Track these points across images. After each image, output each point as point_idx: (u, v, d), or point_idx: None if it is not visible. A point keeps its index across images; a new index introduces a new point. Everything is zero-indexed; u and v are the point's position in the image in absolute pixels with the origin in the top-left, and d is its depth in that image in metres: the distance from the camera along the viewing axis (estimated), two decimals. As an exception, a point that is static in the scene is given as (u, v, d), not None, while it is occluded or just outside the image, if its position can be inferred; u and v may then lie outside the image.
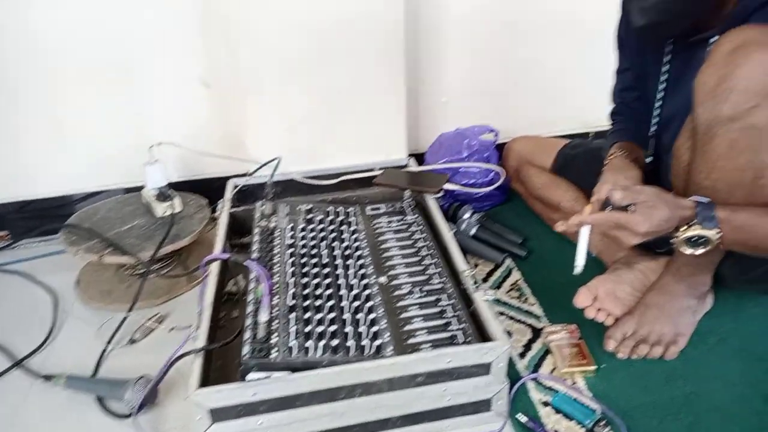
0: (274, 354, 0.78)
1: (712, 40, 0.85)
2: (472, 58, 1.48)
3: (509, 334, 1.04)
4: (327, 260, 1.00)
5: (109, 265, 1.19)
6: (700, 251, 0.84)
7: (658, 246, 0.95)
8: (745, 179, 0.80)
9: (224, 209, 1.19)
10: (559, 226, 0.88)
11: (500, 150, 1.44)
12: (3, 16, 1.21)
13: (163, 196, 1.25)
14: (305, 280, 0.94)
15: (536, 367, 0.96)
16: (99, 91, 1.33)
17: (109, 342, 1.04)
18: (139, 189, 1.32)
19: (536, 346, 1.01)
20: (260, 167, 1.25)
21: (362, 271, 0.99)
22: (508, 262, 1.24)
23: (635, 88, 1.10)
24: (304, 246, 1.04)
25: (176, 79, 1.35)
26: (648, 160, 1.06)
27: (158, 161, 1.27)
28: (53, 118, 1.34)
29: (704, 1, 0.81)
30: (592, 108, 1.48)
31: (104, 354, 1.02)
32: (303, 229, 1.09)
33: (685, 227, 0.83)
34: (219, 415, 0.74)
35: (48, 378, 0.96)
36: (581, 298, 1.00)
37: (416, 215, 1.17)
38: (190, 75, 1.35)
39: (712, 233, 0.81)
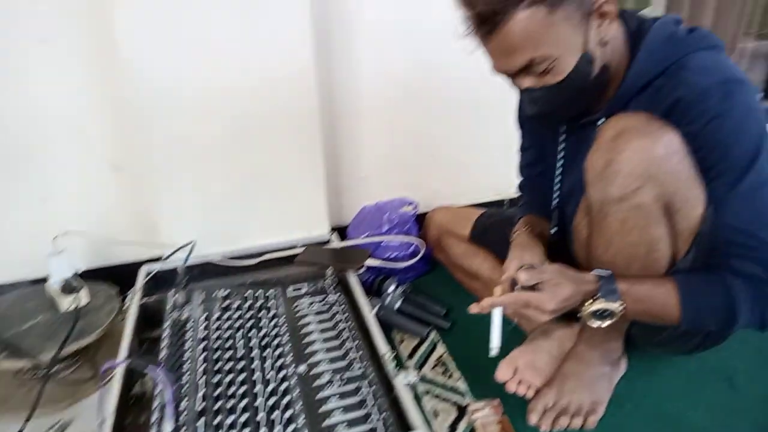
0: (180, 468, 0.72)
1: (599, 122, 0.92)
2: (389, 136, 1.53)
3: (435, 414, 1.03)
4: (243, 352, 0.97)
5: (6, 369, 1.08)
6: (606, 323, 0.87)
7: (572, 313, 0.98)
8: (639, 253, 0.85)
9: (134, 300, 1.13)
10: (473, 309, 0.89)
11: (421, 221, 1.47)
12: None
13: (68, 288, 1.18)
14: (218, 378, 0.89)
15: (462, 448, 0.95)
16: (1, 176, 1.26)
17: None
18: (38, 282, 1.23)
19: (462, 425, 1.00)
20: (174, 252, 1.21)
21: (280, 361, 0.95)
22: (433, 335, 1.24)
23: (537, 164, 1.17)
24: (218, 338, 1.00)
25: (85, 163, 1.30)
26: (553, 231, 1.11)
27: (63, 251, 1.20)
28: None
29: (586, 94, 0.88)
30: (504, 177, 1.55)
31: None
32: (218, 319, 1.05)
33: (590, 301, 0.86)
34: None
35: None
36: (502, 372, 1.01)
37: (338, 294, 1.16)
38: (100, 158, 1.30)
39: (615, 306, 0.85)
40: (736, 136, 0.78)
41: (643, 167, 0.79)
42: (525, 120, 1.15)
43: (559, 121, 1.01)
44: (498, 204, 1.66)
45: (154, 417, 0.80)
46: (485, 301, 0.88)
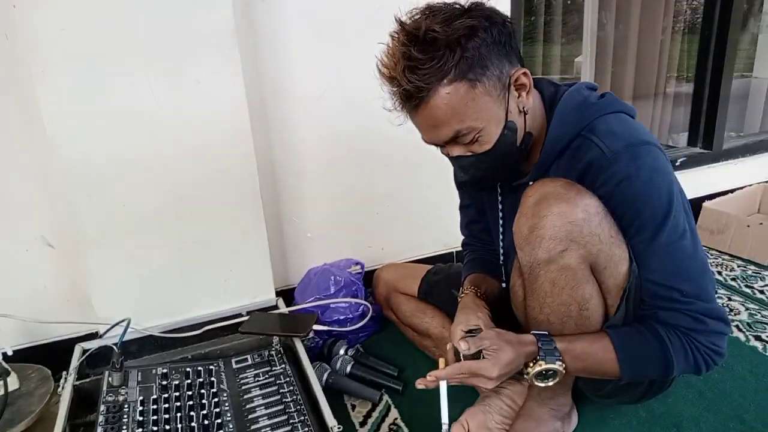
0: None
1: (530, 183, 0.95)
2: (332, 196, 1.54)
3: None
4: (182, 436, 0.92)
5: None
6: (551, 383, 0.88)
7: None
8: (572, 312, 0.88)
9: (68, 383, 1.07)
10: (419, 384, 0.88)
11: (369, 279, 1.47)
12: None
13: (-8, 373, 1.10)
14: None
15: None
16: None
17: None
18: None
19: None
20: (110, 328, 1.16)
21: (223, 442, 0.91)
22: (386, 398, 1.22)
23: (479, 221, 1.19)
24: (156, 422, 0.95)
25: (13, 240, 1.25)
26: (504, 285, 1.13)
27: (-11, 333, 1.13)
28: None
29: (512, 160, 0.91)
30: (449, 230, 1.56)
31: None
32: (156, 401, 1.00)
33: (532, 363, 0.87)
34: None
35: None
36: (453, 436, 1.00)
37: (284, 365, 1.13)
38: (30, 234, 1.25)
39: (557, 365, 0.86)
40: (647, 196, 0.83)
41: (566, 231, 0.82)
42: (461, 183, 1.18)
43: (490, 186, 1.05)
44: (445, 257, 1.68)
45: None
46: (430, 375, 0.87)
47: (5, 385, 1.09)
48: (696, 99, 2.21)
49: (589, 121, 0.88)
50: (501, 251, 1.11)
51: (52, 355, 1.23)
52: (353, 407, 1.20)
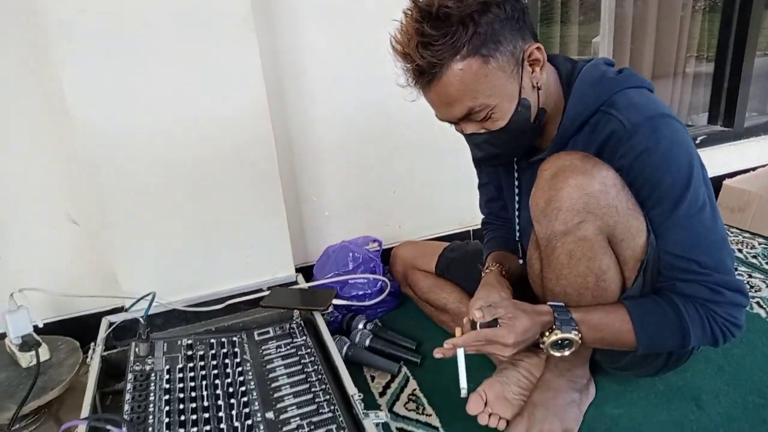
0: None
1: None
2: (350, 176, 1.56)
3: (409, 452, 1.02)
4: (208, 402, 0.95)
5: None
6: (567, 352, 0.89)
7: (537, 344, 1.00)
8: (589, 283, 0.88)
9: (96, 354, 1.10)
10: (437, 354, 0.90)
11: (386, 257, 1.48)
12: None
13: (27, 344, 1.14)
14: (183, 430, 0.87)
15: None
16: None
17: None
18: (4, 337, 1.20)
19: (436, 463, 0.99)
20: (135, 302, 1.19)
21: (247, 408, 0.94)
22: (405, 370, 1.24)
23: (498, 198, 1.20)
24: (182, 389, 0.98)
25: (41, 219, 1.29)
26: (521, 262, 1.13)
27: (21, 307, 1.16)
28: None
29: (527, 136, 0.92)
30: (466, 209, 1.58)
31: None
32: (182, 369, 1.03)
33: (548, 332, 0.88)
34: None
35: None
36: (473, 405, 1.02)
37: (305, 337, 1.16)
38: (57, 214, 1.29)
39: (572, 335, 0.87)
40: (666, 168, 0.83)
41: (582, 203, 0.82)
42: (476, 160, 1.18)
43: (505, 163, 1.05)
44: (462, 235, 1.69)
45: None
46: (447, 343, 0.89)
47: (37, 355, 1.13)
48: (717, 76, 2.18)
49: (609, 96, 0.88)
50: (518, 228, 1.12)
51: (79, 329, 1.27)
52: (372, 379, 1.22)
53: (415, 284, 1.39)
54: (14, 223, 1.28)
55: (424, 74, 0.83)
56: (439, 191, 1.65)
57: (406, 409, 1.13)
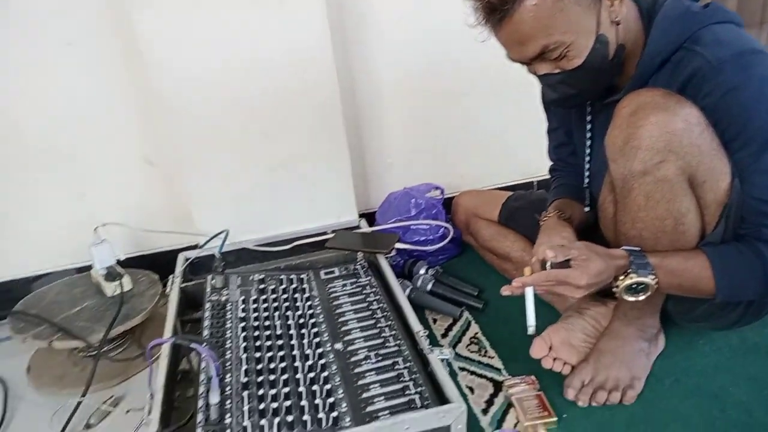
0: (227, 435, 0.75)
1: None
2: (413, 121, 1.54)
3: (471, 390, 1.04)
4: (281, 331, 0.99)
5: (57, 351, 1.14)
6: (641, 297, 0.87)
7: (605, 292, 0.98)
8: (667, 227, 0.85)
9: (174, 285, 1.17)
10: (505, 291, 0.90)
11: (448, 205, 1.48)
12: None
13: (111, 275, 1.22)
14: (258, 354, 0.92)
15: (500, 423, 0.96)
16: (44, 174, 1.33)
17: (64, 429, 0.99)
18: (83, 270, 1.29)
19: (498, 401, 1.01)
20: (209, 240, 1.24)
21: (317, 339, 0.98)
22: (466, 315, 1.25)
23: (568, 143, 1.16)
24: (256, 318, 1.03)
25: (119, 159, 1.36)
26: (587, 210, 1.10)
27: (105, 241, 1.24)
28: (10, 198, 1.33)
29: (604, 75, 0.88)
30: (531, 159, 1.55)
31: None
32: (255, 301, 1.08)
33: (623, 276, 0.86)
34: None
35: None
36: (536, 349, 1.02)
37: (369, 277, 1.18)
38: (134, 153, 1.35)
39: (648, 279, 0.84)
40: (755, 107, 0.78)
41: (664, 141, 0.79)
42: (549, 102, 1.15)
43: (580, 104, 1.01)
44: (525, 186, 1.66)
45: (201, 390, 0.83)
46: (516, 281, 0.88)
47: (121, 285, 1.21)
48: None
49: (693, 31, 0.82)
50: (587, 174, 1.09)
51: (156, 264, 1.34)
52: (434, 321, 1.24)
53: (477, 232, 1.39)
54: (96, 164, 1.35)
55: (496, 11, 0.80)
56: (504, 140, 1.61)
57: (468, 350, 1.14)
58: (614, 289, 0.88)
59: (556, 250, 0.86)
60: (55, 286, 1.28)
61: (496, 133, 1.60)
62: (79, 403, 1.04)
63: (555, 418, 0.94)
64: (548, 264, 0.87)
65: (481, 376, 1.07)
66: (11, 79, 1.24)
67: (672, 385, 1.00)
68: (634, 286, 0.86)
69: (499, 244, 1.33)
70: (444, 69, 1.50)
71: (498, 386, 1.04)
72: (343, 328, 1.02)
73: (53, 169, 1.33)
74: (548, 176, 1.25)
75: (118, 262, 1.27)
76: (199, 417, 0.79)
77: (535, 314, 0.87)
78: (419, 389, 0.85)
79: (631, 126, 0.81)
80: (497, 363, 1.10)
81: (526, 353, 1.01)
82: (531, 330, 0.87)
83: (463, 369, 1.09)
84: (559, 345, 1.03)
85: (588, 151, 1.07)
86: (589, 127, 1.04)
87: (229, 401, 0.81)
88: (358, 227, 1.40)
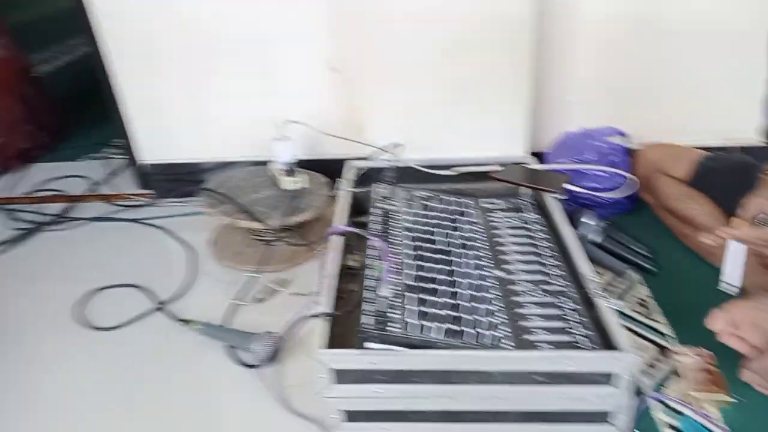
0: (392, 328, 0.78)
1: None
2: (605, 58, 1.40)
3: (630, 349, 0.97)
4: (443, 247, 1.00)
5: (238, 228, 1.27)
6: None
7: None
8: None
9: (345, 186, 1.22)
10: (706, 239, 0.80)
11: (629, 155, 1.36)
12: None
13: (290, 171, 1.31)
14: (422, 263, 0.94)
15: (659, 388, 0.90)
16: (237, 68, 1.42)
17: (238, 298, 1.12)
18: (263, 163, 1.39)
19: (662, 366, 0.94)
20: (381, 150, 1.27)
21: (479, 262, 0.97)
22: (633, 274, 1.16)
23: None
24: (420, 231, 1.04)
25: (306, 61, 1.41)
26: None
27: (288, 138, 1.32)
28: (197, 90, 1.45)
29: None
30: (735, 120, 1.35)
31: (233, 308, 1.10)
32: (420, 215, 1.10)
33: None
34: (340, 376, 0.76)
35: (185, 322, 1.05)
36: (716, 321, 0.91)
37: (535, 214, 1.14)
38: (319, 60, 1.40)
39: None
40: None
41: None
42: None
43: None
44: (723, 151, 1.46)
45: (368, 283, 0.87)
46: (722, 231, 0.79)
47: (299, 181, 1.30)
48: None
49: None
50: None
51: (323, 170, 1.41)
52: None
53: (659, 189, 1.27)
54: (284, 65, 1.42)
55: None
56: (710, 92, 1.41)
57: (634, 311, 1.07)
58: None
59: None
60: (238, 173, 1.41)
61: (702, 82, 1.40)
62: (252, 279, 1.16)
63: (728, 397, 0.85)
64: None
65: (644, 338, 1.00)
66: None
67: None
68: None
69: (683, 205, 1.20)
70: (652, 2, 1.33)
71: (662, 352, 0.96)
72: (505, 257, 1.00)
73: (246, 65, 1.42)
74: (754, 143, 1.08)
75: (296, 161, 1.35)
76: (367, 306, 0.82)
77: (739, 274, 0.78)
78: (586, 332, 0.82)
79: None
80: (664, 329, 1.02)
81: (700, 325, 0.91)
82: (731, 289, 0.78)
83: (626, 327, 1.03)
84: (743, 322, 0.92)
85: None
86: None
87: (395, 298, 0.84)
88: (527, 164, 1.35)
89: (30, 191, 1.64)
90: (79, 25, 1.39)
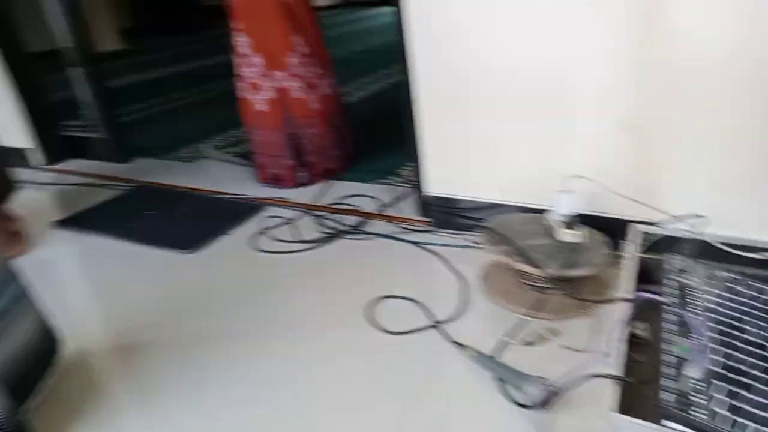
0: (696, 413, 0.75)
1: None
2: None
3: None
4: (756, 339, 0.91)
5: (509, 270, 1.34)
6: None
7: None
8: None
9: (633, 251, 1.20)
10: None
11: None
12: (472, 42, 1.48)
13: (570, 223, 1.34)
14: (730, 351, 0.87)
15: None
16: (530, 117, 1.49)
17: (508, 336, 1.18)
18: (536, 211, 1.44)
19: None
20: (676, 219, 1.21)
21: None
22: None
23: None
24: (727, 315, 0.96)
25: (601, 119, 1.40)
26: None
27: (572, 191, 1.35)
28: (490, 133, 1.57)
29: None
30: None
31: (502, 345, 1.16)
32: (724, 297, 1.01)
33: None
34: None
35: (459, 345, 1.16)
36: None
37: None
38: (614, 116, 1.39)
39: None
40: None
41: None
42: None
43: None
44: None
45: (667, 359, 0.85)
46: None
47: (579, 236, 1.31)
48: None
49: None
50: None
51: (604, 228, 1.39)
52: None
53: None
54: (580, 117, 1.43)
55: None
56: None
57: None
58: None
59: None
60: (514, 217, 1.49)
61: None
62: (523, 321, 1.22)
63: None
64: None
65: None
66: (523, 26, 1.40)
67: None
68: None
69: None
70: None
71: None
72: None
73: (546, 111, 1.46)
74: None
75: (577, 215, 1.37)
76: (665, 381, 0.80)
77: None
78: None
79: None
80: None
81: None
82: None
83: None
84: None
85: None
86: None
87: (699, 382, 0.80)
88: None
89: (332, 203, 1.98)
90: (395, 56, 1.59)
